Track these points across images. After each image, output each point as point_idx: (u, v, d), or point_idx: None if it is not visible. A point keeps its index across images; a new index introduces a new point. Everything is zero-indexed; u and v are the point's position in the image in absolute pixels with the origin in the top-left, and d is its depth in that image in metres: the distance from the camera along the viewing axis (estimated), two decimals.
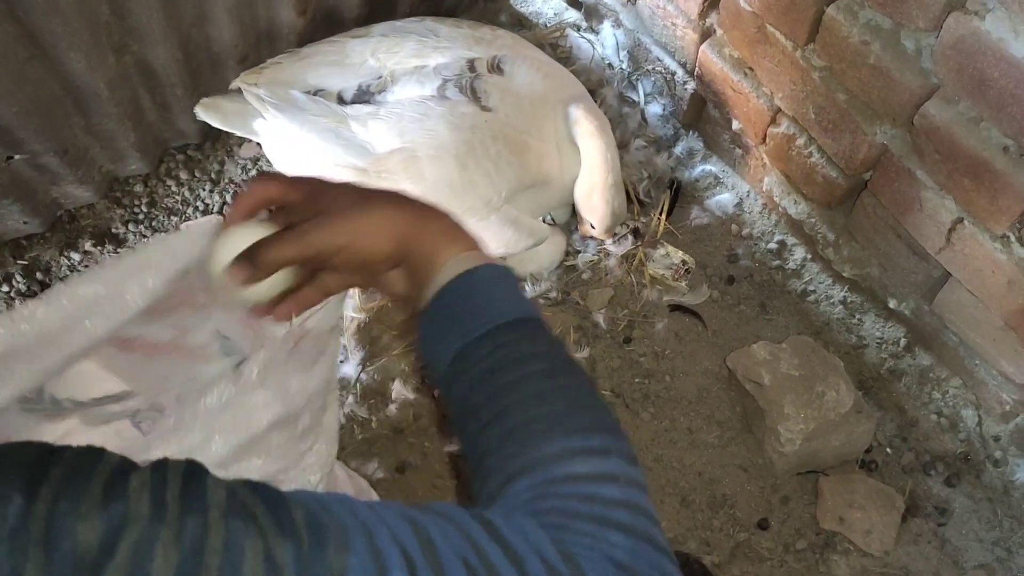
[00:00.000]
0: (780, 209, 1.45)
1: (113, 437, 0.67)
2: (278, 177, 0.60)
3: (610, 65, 1.63)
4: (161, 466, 0.39)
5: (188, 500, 0.37)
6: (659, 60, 1.55)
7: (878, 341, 1.35)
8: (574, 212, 1.41)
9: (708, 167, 1.55)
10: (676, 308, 1.40)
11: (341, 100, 1.25)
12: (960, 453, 1.27)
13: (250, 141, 1.52)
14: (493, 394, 0.50)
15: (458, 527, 0.42)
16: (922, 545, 1.20)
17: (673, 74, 1.53)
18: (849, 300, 1.39)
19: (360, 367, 1.30)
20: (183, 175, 1.49)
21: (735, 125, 1.43)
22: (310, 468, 0.77)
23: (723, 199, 1.50)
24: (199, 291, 0.67)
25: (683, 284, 1.42)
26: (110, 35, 1.18)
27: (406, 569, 0.38)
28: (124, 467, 0.38)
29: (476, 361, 0.52)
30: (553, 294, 1.40)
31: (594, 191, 1.30)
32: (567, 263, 1.43)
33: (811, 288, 1.42)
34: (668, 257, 1.44)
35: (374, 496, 1.12)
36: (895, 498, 1.21)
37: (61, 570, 0.33)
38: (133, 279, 0.62)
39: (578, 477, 0.46)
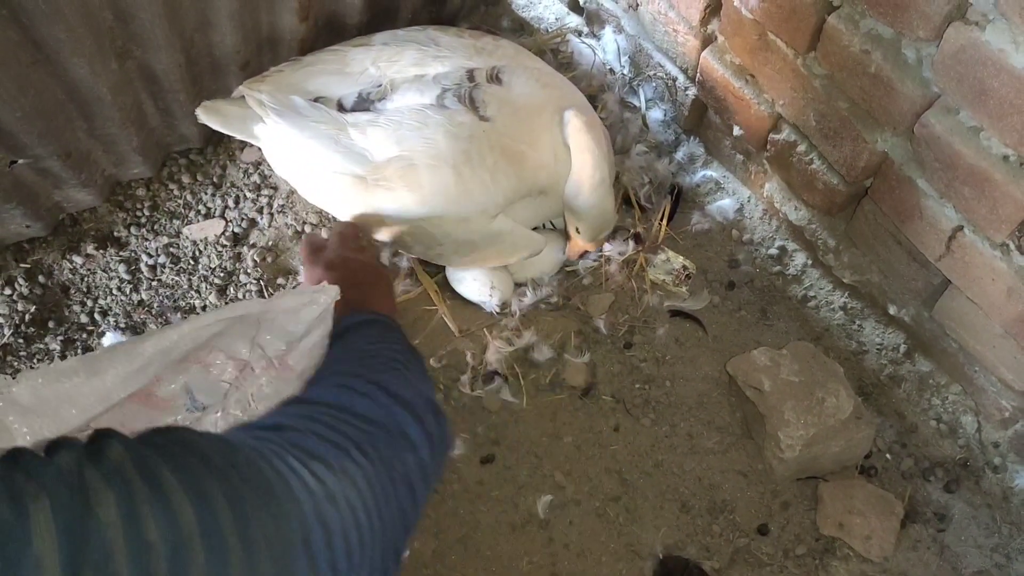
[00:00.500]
0: (781, 215, 1.45)
1: None
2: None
3: (611, 70, 1.63)
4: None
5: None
6: (660, 66, 1.55)
7: (878, 347, 1.36)
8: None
9: (709, 173, 1.55)
10: (677, 313, 1.41)
11: (341, 108, 1.26)
12: (959, 459, 1.27)
13: (251, 146, 1.53)
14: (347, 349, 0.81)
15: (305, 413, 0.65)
16: (921, 551, 1.21)
17: (674, 80, 1.54)
18: (849, 306, 1.39)
19: None
20: (185, 179, 1.50)
21: (736, 131, 1.44)
22: None
23: (724, 205, 1.51)
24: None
25: (684, 289, 1.42)
26: (113, 40, 1.19)
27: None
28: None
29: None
30: (554, 299, 1.40)
31: (581, 189, 1.28)
32: (568, 268, 1.44)
33: (811, 294, 1.42)
34: (669, 262, 1.44)
35: None
36: (894, 504, 1.22)
37: None
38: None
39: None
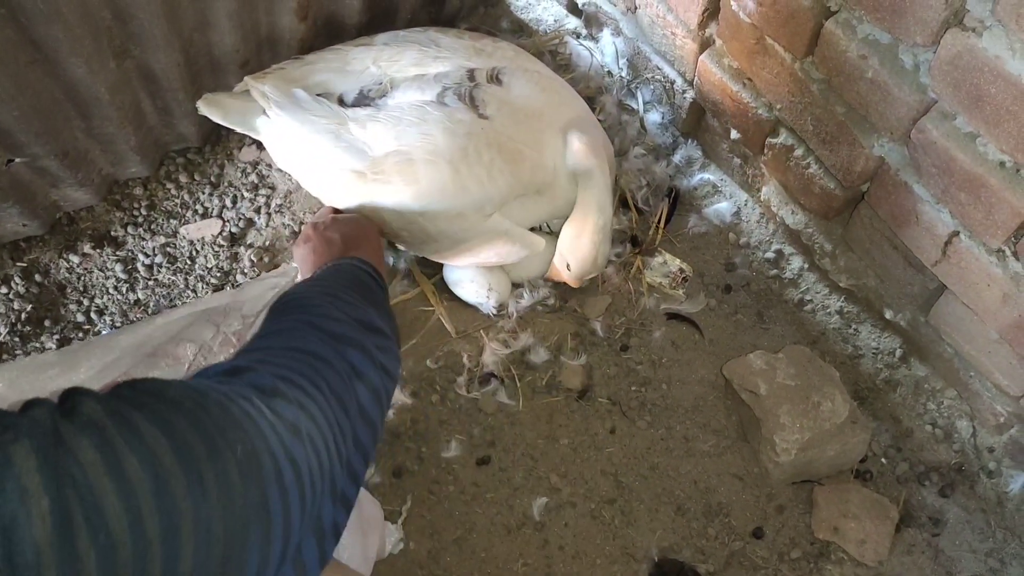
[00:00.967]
0: (778, 219, 1.45)
1: None
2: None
3: (609, 73, 1.63)
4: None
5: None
6: (658, 68, 1.56)
7: (874, 351, 1.36)
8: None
9: (706, 176, 1.55)
10: (673, 316, 1.41)
11: (342, 103, 1.27)
12: (954, 464, 1.27)
13: (250, 145, 1.53)
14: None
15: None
16: (916, 555, 1.21)
17: (672, 83, 1.54)
18: (845, 310, 1.40)
19: None
20: (183, 178, 1.50)
21: (734, 135, 1.44)
22: None
23: (721, 208, 1.51)
24: None
25: (680, 292, 1.42)
26: (111, 40, 1.19)
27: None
28: None
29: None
30: (551, 301, 1.40)
31: (584, 232, 1.28)
32: None
33: (808, 298, 1.42)
34: (666, 265, 1.45)
35: (370, 503, 1.13)
36: (889, 508, 1.22)
37: None
38: None
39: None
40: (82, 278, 1.40)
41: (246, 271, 1.41)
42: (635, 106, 1.60)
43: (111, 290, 1.39)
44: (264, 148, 1.53)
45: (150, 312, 1.37)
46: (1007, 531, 1.23)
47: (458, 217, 1.24)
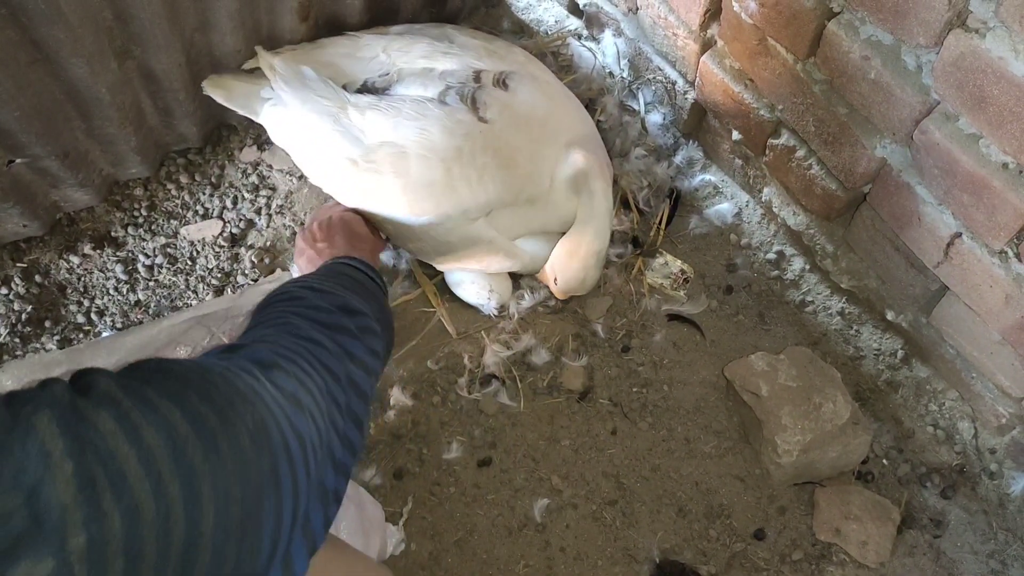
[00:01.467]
0: (779, 220, 1.45)
1: None
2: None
3: (611, 74, 1.63)
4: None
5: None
6: (660, 69, 1.55)
7: (875, 353, 1.36)
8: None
9: (708, 177, 1.55)
10: (674, 317, 1.41)
11: (347, 88, 1.28)
12: (956, 465, 1.27)
13: (250, 146, 1.53)
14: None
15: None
16: (917, 557, 1.21)
17: (673, 83, 1.54)
18: (847, 311, 1.40)
19: None
20: (183, 179, 1.49)
21: (735, 135, 1.44)
22: None
23: (722, 209, 1.51)
24: None
25: (682, 293, 1.42)
26: (112, 40, 1.19)
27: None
28: None
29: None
30: (552, 302, 1.40)
31: (577, 254, 1.28)
32: None
33: (809, 299, 1.42)
34: (667, 266, 1.44)
35: (371, 504, 1.13)
36: (891, 510, 1.22)
37: None
38: None
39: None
40: (82, 279, 1.39)
41: (247, 272, 1.41)
42: (636, 107, 1.60)
43: (111, 291, 1.39)
44: (264, 149, 1.53)
45: (151, 313, 1.37)
46: (1009, 532, 1.22)
47: (443, 216, 1.23)
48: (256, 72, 1.35)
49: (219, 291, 1.39)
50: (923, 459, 1.28)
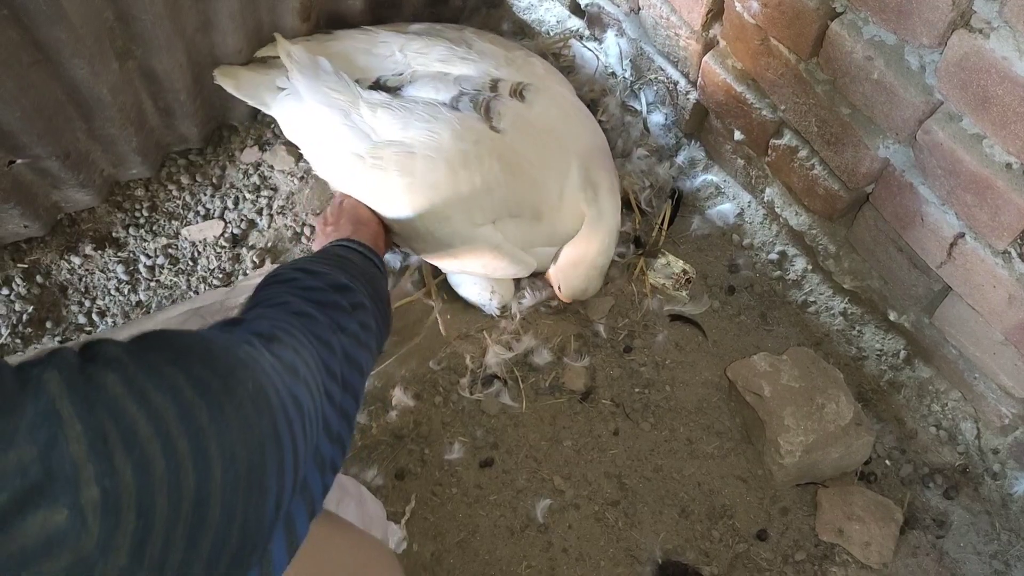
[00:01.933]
0: (781, 220, 1.45)
1: None
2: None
3: (613, 74, 1.63)
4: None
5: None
6: (662, 69, 1.55)
7: (878, 353, 1.36)
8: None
9: (710, 177, 1.55)
10: (677, 318, 1.41)
11: (360, 84, 1.28)
12: (959, 466, 1.27)
13: (251, 146, 1.53)
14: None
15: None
16: (920, 557, 1.21)
17: (676, 84, 1.54)
18: (849, 312, 1.39)
19: None
20: (184, 179, 1.49)
21: (737, 136, 1.44)
22: None
23: (724, 209, 1.50)
24: None
25: (684, 294, 1.42)
26: (114, 41, 1.18)
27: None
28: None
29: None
30: (554, 303, 1.40)
31: (580, 264, 1.29)
32: None
33: (811, 299, 1.42)
34: (669, 267, 1.44)
35: (372, 502, 1.12)
36: (894, 510, 1.22)
37: None
38: None
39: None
40: (83, 279, 1.39)
41: (248, 272, 1.41)
42: (638, 107, 1.60)
43: (113, 291, 1.38)
44: (265, 150, 1.53)
45: (151, 313, 1.37)
46: (1012, 533, 1.22)
47: (445, 219, 1.23)
48: (267, 62, 1.35)
49: None
50: (926, 459, 1.28)
